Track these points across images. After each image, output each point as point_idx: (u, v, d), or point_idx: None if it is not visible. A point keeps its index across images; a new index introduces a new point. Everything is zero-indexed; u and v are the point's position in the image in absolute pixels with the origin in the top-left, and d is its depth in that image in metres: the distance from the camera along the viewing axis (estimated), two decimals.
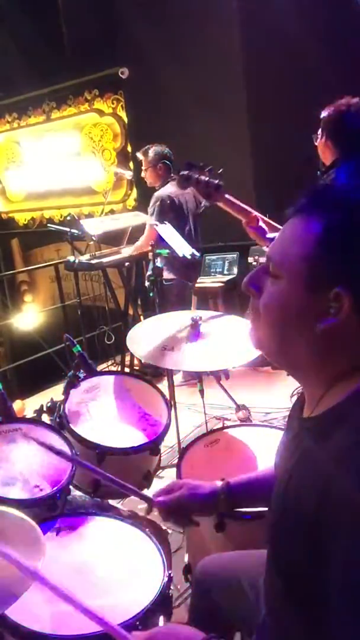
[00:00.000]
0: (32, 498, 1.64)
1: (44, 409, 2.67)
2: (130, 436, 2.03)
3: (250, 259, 4.41)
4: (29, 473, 1.73)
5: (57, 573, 1.27)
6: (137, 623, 1.14)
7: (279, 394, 3.51)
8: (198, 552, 1.54)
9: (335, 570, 0.71)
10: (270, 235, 2.14)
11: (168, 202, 3.93)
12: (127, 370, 4.12)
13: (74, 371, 2.17)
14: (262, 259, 3.87)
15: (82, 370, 2.21)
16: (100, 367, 4.29)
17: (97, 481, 1.90)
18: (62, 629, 1.14)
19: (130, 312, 4.56)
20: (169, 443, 2.59)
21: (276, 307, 0.86)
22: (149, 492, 2.07)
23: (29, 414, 3.09)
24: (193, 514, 1.28)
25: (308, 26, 4.14)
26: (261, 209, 2.24)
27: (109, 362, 4.69)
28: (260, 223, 2.16)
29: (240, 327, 2.07)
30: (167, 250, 3.39)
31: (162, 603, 1.23)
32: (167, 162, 4.08)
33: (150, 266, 3.65)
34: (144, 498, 1.32)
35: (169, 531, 1.82)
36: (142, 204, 5.11)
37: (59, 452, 1.35)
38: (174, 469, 1.71)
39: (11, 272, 7.65)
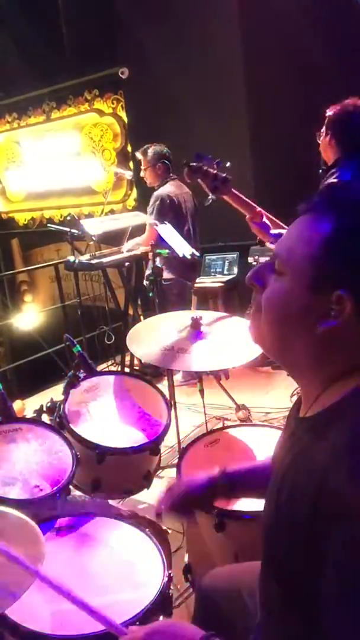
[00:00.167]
0: (32, 498, 1.64)
1: (44, 409, 2.66)
2: (130, 436, 2.03)
3: (250, 259, 4.40)
4: (29, 473, 1.73)
5: (57, 573, 1.27)
6: (137, 623, 1.14)
7: (279, 394, 3.51)
8: (198, 552, 1.54)
9: (330, 565, 0.71)
10: (273, 231, 2.14)
11: (168, 201, 3.94)
12: (127, 370, 4.11)
13: (74, 371, 2.17)
14: (262, 259, 3.87)
15: (82, 370, 2.20)
16: (100, 367, 4.29)
17: (97, 481, 1.90)
18: (61, 628, 1.14)
19: (130, 312, 4.55)
20: (169, 443, 2.59)
21: (278, 303, 0.86)
22: (149, 492, 2.09)
23: (29, 414, 3.08)
24: (193, 504, 1.28)
25: (308, 26, 4.13)
26: (261, 208, 2.25)
27: (109, 362, 4.68)
28: (264, 219, 2.17)
29: (240, 327, 2.07)
30: (167, 250, 3.39)
31: (162, 603, 1.23)
32: (166, 162, 4.08)
33: (150, 266, 3.65)
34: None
35: (169, 531, 1.82)
36: (142, 204, 5.11)
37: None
38: (174, 469, 1.72)
39: (11, 272, 7.64)
